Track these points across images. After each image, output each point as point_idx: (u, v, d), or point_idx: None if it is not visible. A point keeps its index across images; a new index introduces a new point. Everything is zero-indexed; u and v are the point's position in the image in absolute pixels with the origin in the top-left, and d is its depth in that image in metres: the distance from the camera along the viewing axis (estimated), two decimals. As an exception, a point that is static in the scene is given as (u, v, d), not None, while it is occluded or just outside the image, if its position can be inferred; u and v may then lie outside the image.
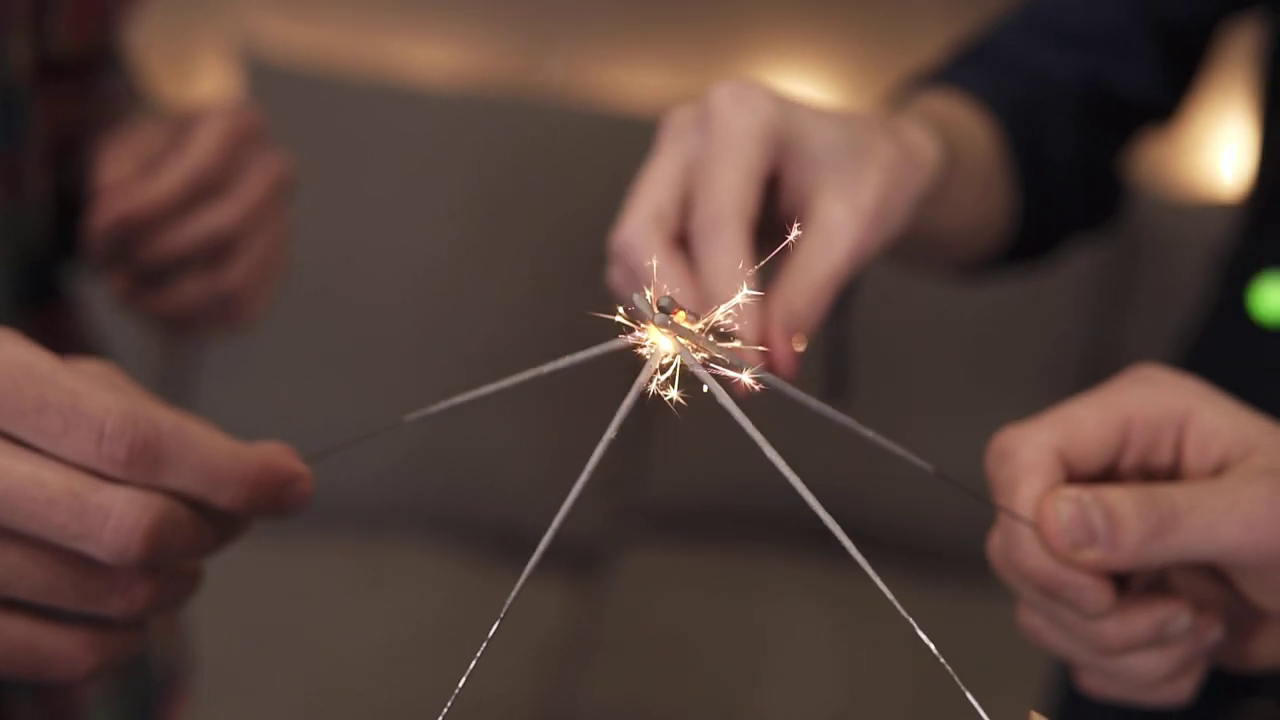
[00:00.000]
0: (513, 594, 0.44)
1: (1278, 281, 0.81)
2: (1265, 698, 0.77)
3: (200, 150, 0.77)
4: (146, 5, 0.95)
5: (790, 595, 1.84)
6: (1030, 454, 0.55)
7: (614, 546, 1.89)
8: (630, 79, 2.08)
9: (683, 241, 0.61)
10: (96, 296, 0.96)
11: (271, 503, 0.51)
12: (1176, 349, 0.95)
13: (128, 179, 0.78)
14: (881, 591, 0.42)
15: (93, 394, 0.47)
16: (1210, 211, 1.88)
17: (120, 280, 0.80)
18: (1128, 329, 1.88)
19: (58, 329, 0.87)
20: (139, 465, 0.47)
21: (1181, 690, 0.58)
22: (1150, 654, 0.56)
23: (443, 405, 0.53)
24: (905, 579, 1.85)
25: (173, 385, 1.89)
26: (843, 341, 0.87)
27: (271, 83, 1.88)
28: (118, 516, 0.47)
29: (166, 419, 0.48)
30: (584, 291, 1.83)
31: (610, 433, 0.44)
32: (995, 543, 0.57)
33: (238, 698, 1.62)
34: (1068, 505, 0.53)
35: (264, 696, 1.65)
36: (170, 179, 0.76)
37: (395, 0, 2.07)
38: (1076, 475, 0.56)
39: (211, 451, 0.49)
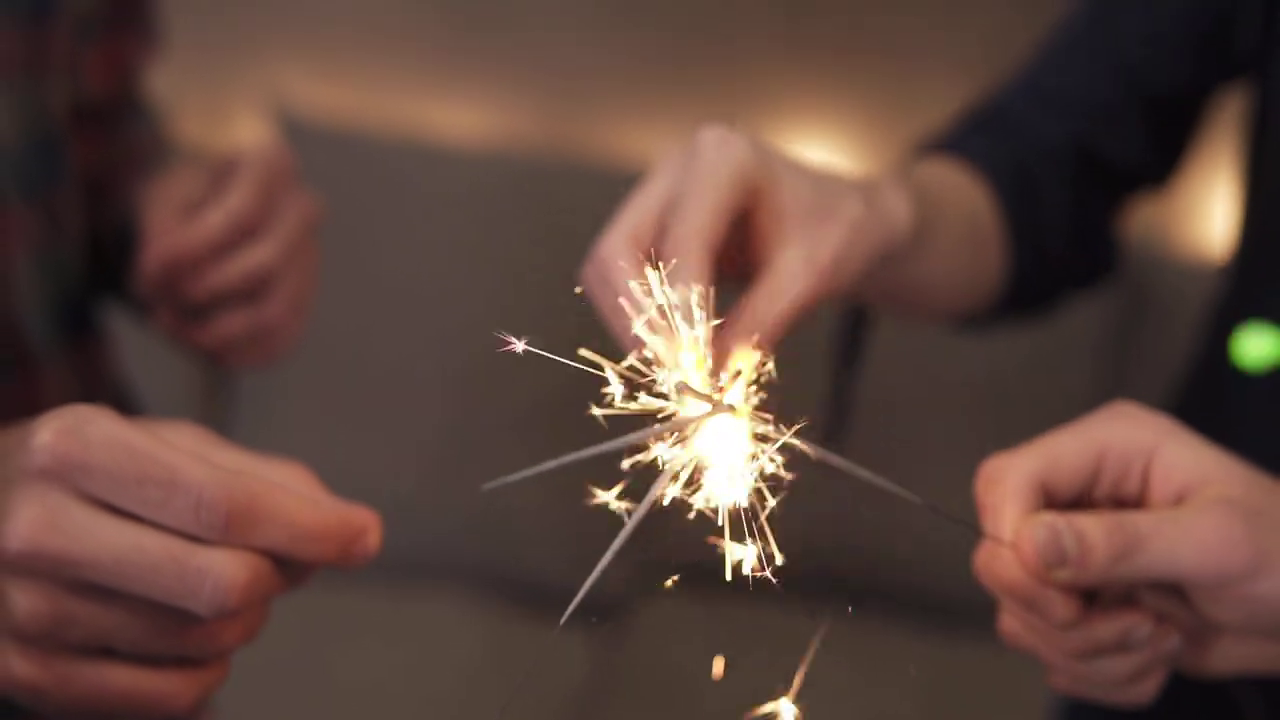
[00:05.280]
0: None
1: (1257, 331, 0.86)
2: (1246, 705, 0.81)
3: (239, 195, 0.82)
4: (170, 58, 1.00)
5: (805, 647, 1.86)
6: (1013, 481, 0.61)
7: (636, 596, 1.92)
8: (653, 142, 2.13)
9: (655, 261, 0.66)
10: (130, 331, 1.01)
11: (343, 555, 0.56)
12: (1169, 396, 1.00)
13: (173, 223, 0.83)
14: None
15: (188, 466, 0.51)
16: (1214, 272, 1.92)
17: (167, 316, 0.85)
18: (1133, 387, 1.91)
19: (92, 363, 0.92)
20: (235, 529, 0.52)
21: (1144, 692, 0.64)
22: (1115, 659, 0.62)
23: (519, 475, 0.58)
24: (923, 630, 1.88)
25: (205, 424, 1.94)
26: (846, 387, 0.91)
27: (302, 140, 1.94)
28: (216, 577, 0.51)
29: (257, 484, 0.53)
30: (608, 348, 1.89)
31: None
32: (980, 558, 0.63)
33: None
34: (1043, 530, 0.59)
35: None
36: (212, 222, 0.81)
37: (423, 62, 2.13)
38: (1055, 499, 0.62)
39: (297, 512, 0.54)
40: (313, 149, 1.92)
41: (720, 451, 0.53)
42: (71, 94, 0.87)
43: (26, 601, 0.51)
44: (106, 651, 0.54)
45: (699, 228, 0.61)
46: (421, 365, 1.95)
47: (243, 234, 0.82)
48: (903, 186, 0.74)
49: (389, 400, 1.94)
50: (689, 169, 0.63)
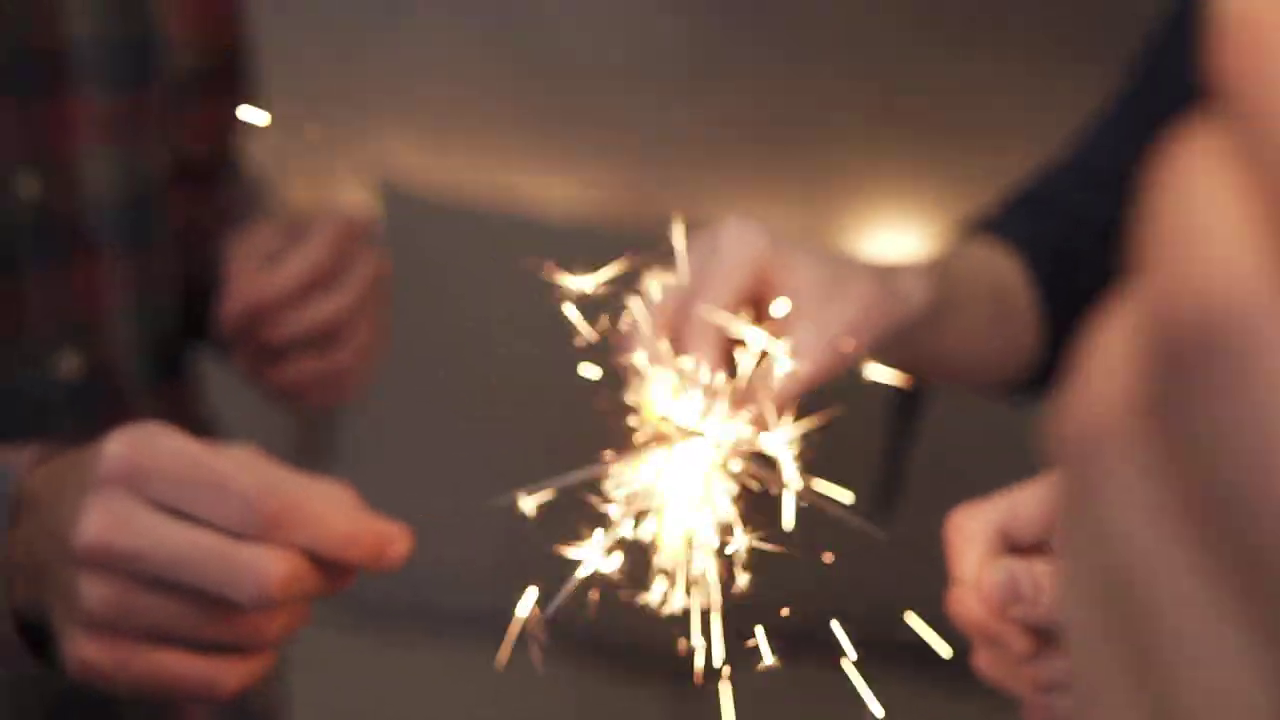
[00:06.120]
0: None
1: None
2: None
3: (314, 249, 0.88)
4: (279, 126, 1.08)
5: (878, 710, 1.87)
6: (975, 528, 0.67)
7: (716, 659, 1.94)
8: (743, 216, 2.18)
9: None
10: (218, 375, 1.07)
11: (375, 559, 0.63)
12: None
13: (253, 273, 0.89)
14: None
15: (238, 473, 0.59)
16: None
17: (245, 358, 0.92)
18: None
19: (181, 404, 1.00)
20: (276, 529, 0.60)
21: None
22: None
23: (521, 491, 0.64)
24: (953, 688, 1.88)
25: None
26: (899, 454, 0.95)
27: (406, 209, 2.02)
28: (257, 570, 0.59)
29: (299, 491, 0.61)
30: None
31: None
32: (949, 599, 0.68)
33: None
34: (1001, 572, 0.64)
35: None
36: (289, 274, 0.88)
37: (522, 136, 2.21)
38: (1017, 545, 0.67)
39: (333, 517, 0.62)
40: (413, 216, 2.01)
41: (695, 480, 0.58)
42: (170, 155, 0.94)
43: (96, 592, 0.59)
44: (163, 640, 0.61)
45: (713, 323, 0.67)
46: (518, 431, 2.00)
47: (317, 286, 0.88)
48: (920, 267, 0.79)
49: (479, 462, 1.99)
50: (708, 262, 0.70)
